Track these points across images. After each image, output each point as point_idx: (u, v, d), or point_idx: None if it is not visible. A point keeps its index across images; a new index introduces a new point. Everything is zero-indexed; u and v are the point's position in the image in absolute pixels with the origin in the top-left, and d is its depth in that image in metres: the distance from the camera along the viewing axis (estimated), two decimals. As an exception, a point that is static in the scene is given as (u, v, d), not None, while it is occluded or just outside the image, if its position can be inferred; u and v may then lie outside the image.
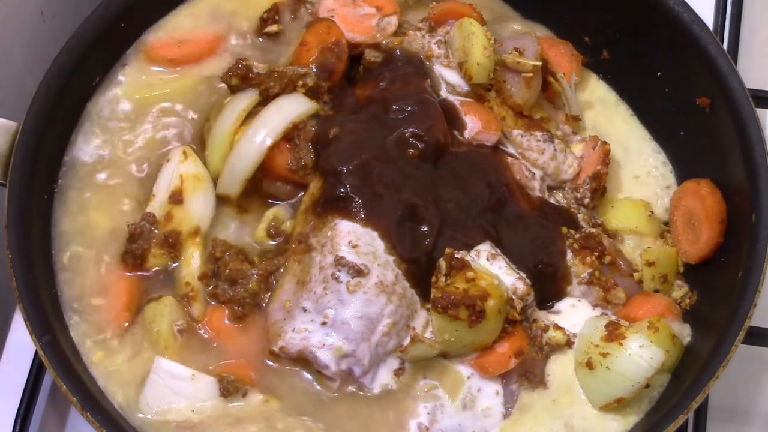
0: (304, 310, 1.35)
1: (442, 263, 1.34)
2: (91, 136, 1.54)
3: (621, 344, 1.31)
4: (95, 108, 1.56)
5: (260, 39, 1.61)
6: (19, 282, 1.33)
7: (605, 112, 1.65)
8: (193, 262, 1.42)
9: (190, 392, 1.33)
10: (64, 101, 1.48)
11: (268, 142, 1.43)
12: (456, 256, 1.35)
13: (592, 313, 1.43)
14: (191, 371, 1.34)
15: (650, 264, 1.46)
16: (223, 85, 1.55)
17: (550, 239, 1.47)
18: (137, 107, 1.56)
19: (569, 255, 1.46)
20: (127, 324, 1.41)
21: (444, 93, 1.54)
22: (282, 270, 1.41)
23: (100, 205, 1.49)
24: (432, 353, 1.36)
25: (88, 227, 1.47)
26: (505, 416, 1.36)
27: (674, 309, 1.44)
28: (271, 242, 1.45)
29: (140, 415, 1.34)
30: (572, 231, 1.48)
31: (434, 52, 1.57)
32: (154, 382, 1.33)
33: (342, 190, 1.38)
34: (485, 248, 1.40)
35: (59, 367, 1.28)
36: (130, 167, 1.52)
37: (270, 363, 1.39)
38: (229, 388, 1.32)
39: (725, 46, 1.70)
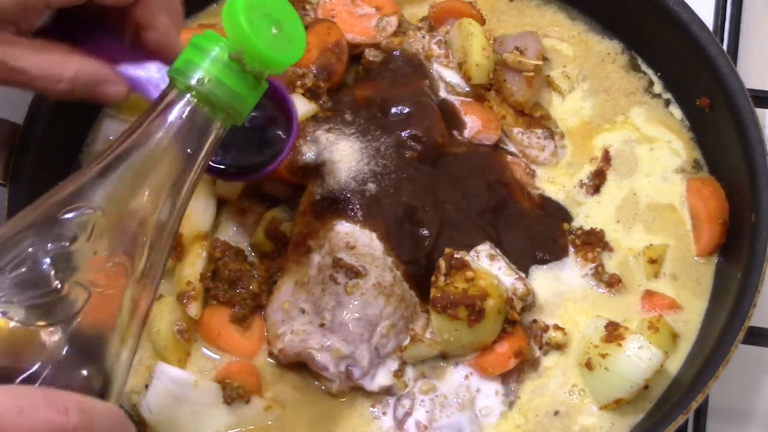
0: (303, 312, 1.35)
1: (442, 263, 1.34)
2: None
3: (620, 345, 1.30)
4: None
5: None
6: (20, 282, 1.33)
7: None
8: (197, 262, 1.42)
9: (192, 398, 1.32)
10: (64, 101, 1.48)
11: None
12: (456, 255, 1.35)
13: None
14: (194, 377, 1.34)
15: (653, 261, 1.46)
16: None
17: (551, 237, 1.47)
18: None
19: (571, 251, 1.47)
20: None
21: (443, 93, 1.55)
22: (281, 271, 1.41)
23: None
24: (431, 353, 1.36)
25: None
26: (504, 416, 1.37)
27: (676, 306, 1.44)
28: (271, 243, 1.45)
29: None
30: (574, 227, 1.49)
31: (434, 51, 1.57)
32: (156, 388, 1.32)
33: (340, 192, 1.38)
34: (485, 249, 1.40)
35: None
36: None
37: (272, 366, 1.40)
38: (233, 395, 1.32)
39: (725, 46, 1.70)
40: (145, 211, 1.02)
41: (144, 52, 1.24)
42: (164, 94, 1.05)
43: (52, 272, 0.95)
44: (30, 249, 0.95)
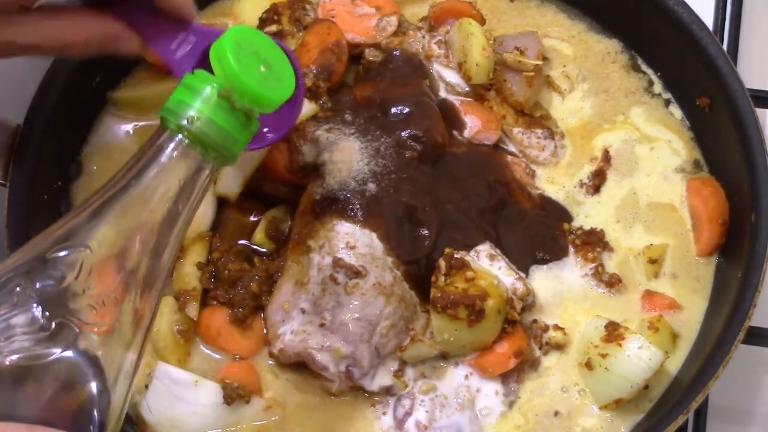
0: (303, 312, 1.35)
1: (442, 263, 1.34)
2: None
3: (620, 345, 1.30)
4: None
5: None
6: (20, 282, 1.33)
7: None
8: (197, 262, 1.42)
9: (192, 398, 1.32)
10: (64, 101, 1.48)
11: (268, 142, 1.43)
12: (456, 255, 1.35)
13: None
14: (194, 377, 1.34)
15: (653, 261, 1.46)
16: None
17: (551, 237, 1.47)
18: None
19: (571, 251, 1.47)
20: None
21: (443, 93, 1.55)
22: (281, 271, 1.41)
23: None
24: (431, 353, 1.36)
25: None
26: (504, 416, 1.37)
27: (676, 306, 1.44)
28: (271, 243, 1.45)
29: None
30: (574, 227, 1.49)
31: (434, 51, 1.57)
32: (156, 388, 1.33)
33: (340, 192, 1.38)
34: (485, 249, 1.40)
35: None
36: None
37: (272, 366, 1.40)
38: (233, 395, 1.32)
39: (725, 46, 1.70)
40: (136, 251, 1.02)
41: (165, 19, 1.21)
42: (156, 135, 1.05)
43: (40, 311, 0.95)
44: (17, 289, 0.95)
